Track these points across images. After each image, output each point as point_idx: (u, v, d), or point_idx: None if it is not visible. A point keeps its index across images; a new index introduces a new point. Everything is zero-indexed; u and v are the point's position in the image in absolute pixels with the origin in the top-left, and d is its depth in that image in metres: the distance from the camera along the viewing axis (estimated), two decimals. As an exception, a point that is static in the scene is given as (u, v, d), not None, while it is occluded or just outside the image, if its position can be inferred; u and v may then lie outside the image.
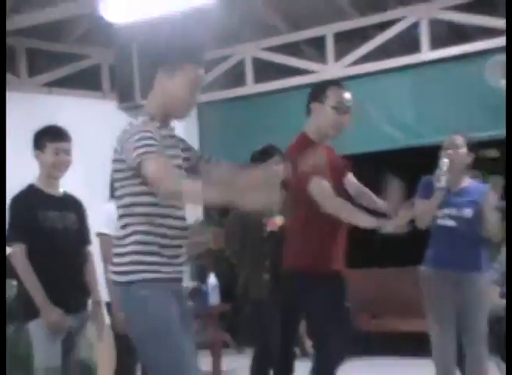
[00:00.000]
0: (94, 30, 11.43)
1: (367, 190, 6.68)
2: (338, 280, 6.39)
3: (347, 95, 6.20)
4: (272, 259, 7.71)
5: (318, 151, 6.15)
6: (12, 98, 11.37)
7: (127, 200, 4.80)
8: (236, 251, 8.14)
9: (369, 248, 11.64)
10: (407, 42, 11.40)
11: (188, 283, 11.17)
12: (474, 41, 10.89)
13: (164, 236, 4.77)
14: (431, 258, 7.26)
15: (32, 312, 6.16)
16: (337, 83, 6.53)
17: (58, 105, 11.37)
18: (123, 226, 4.84)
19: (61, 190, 6.52)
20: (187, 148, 5.09)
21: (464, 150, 7.20)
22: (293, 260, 6.28)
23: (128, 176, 4.74)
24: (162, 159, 4.60)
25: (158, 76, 4.85)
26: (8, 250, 6.42)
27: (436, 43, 11.00)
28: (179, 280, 4.93)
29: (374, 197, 6.57)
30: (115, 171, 4.82)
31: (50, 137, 6.39)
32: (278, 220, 7.86)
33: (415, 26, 11.28)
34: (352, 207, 6.00)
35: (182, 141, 5.07)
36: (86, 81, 12.54)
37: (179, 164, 4.88)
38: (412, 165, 9.63)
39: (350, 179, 6.65)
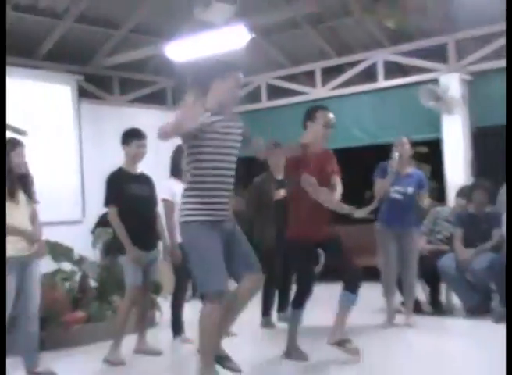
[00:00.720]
0: (162, 65, 11.55)
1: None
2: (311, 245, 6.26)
3: (331, 115, 6.11)
4: (277, 219, 7.67)
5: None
6: (108, 110, 11.63)
7: (188, 168, 5.02)
8: (253, 213, 8.13)
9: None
10: (369, 74, 11.47)
11: None
12: (412, 75, 10.99)
13: (210, 195, 4.90)
14: (383, 219, 7.52)
15: (121, 250, 6.34)
16: (324, 107, 6.34)
17: (138, 114, 11.51)
18: (185, 189, 5.04)
19: (139, 170, 6.67)
20: (240, 128, 5.13)
21: (408, 146, 7.51)
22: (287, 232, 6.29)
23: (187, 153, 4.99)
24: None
25: (215, 82, 4.97)
26: (106, 210, 6.55)
27: (388, 76, 11.07)
28: (220, 221, 4.94)
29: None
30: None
31: (134, 136, 6.57)
32: (282, 192, 7.73)
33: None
34: (333, 196, 5.87)
35: (237, 124, 5.14)
36: (156, 98, 12.65)
37: (230, 138, 5.00)
38: (371, 156, 9.68)
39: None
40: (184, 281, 7.35)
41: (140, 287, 6.47)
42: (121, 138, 6.65)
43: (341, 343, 5.99)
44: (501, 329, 7.39)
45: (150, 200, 6.71)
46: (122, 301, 6.70)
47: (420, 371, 5.70)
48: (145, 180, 6.73)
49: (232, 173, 5.07)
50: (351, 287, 6.10)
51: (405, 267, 7.64)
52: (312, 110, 6.21)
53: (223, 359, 5.04)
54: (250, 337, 7.50)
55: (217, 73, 5.04)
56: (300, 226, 6.11)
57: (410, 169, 7.68)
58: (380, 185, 7.35)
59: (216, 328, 4.94)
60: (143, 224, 6.50)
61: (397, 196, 7.42)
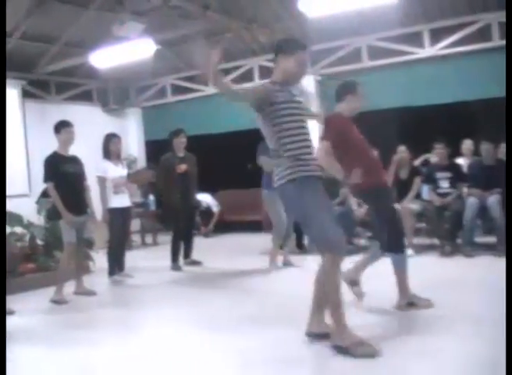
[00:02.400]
0: (89, 69, 11.36)
1: None
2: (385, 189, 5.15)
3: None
4: (180, 188, 7.85)
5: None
6: (47, 107, 11.43)
7: (277, 142, 4.00)
8: (162, 182, 8.13)
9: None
10: (247, 76, 11.49)
11: (139, 199, 11.21)
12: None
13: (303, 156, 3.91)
14: (269, 186, 7.15)
15: (59, 215, 6.33)
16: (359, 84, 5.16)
17: (71, 110, 11.32)
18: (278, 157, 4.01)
19: (70, 153, 6.60)
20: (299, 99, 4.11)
21: None
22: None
23: (269, 125, 4.01)
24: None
25: (279, 58, 4.09)
26: (45, 185, 6.51)
27: (261, 77, 11.06)
28: (318, 176, 3.99)
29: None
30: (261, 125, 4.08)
31: (63, 125, 6.52)
32: (183, 167, 7.85)
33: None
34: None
35: (296, 96, 4.11)
36: (85, 97, 12.47)
37: (295, 106, 4.02)
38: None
39: None
40: (116, 236, 7.32)
41: (74, 243, 6.46)
42: (53, 128, 6.58)
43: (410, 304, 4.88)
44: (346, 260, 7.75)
45: (79, 176, 6.65)
46: (62, 255, 6.64)
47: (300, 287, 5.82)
48: (75, 161, 6.66)
49: (309, 135, 4.11)
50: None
51: (288, 219, 7.17)
52: (351, 84, 5.11)
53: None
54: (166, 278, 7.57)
55: (282, 49, 4.14)
56: (379, 173, 5.06)
57: None
58: (266, 162, 6.91)
59: (340, 284, 3.97)
60: (74, 195, 6.47)
61: None
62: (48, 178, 6.38)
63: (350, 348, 3.73)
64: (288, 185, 3.92)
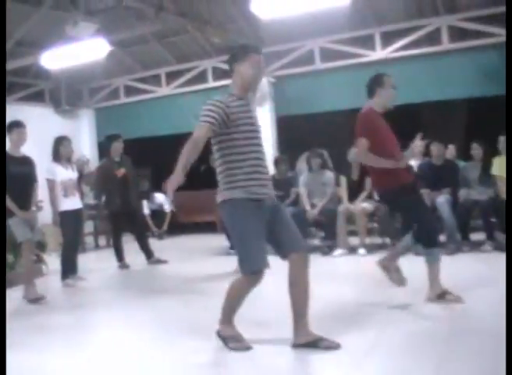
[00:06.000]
0: (41, 70, 11.20)
1: None
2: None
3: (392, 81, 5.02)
4: (121, 191, 7.96)
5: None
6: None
7: (219, 153, 4.01)
8: (101, 186, 8.47)
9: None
10: (202, 78, 11.49)
11: (92, 200, 10.96)
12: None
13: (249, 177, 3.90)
14: None
15: (10, 214, 6.27)
16: (388, 75, 5.09)
17: (23, 110, 10.89)
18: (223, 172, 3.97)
19: (21, 153, 6.53)
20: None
21: None
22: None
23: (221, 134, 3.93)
24: (205, 129, 3.80)
25: (235, 66, 4.00)
26: None
27: (216, 79, 11.23)
28: (262, 199, 3.92)
29: None
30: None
31: (16, 125, 6.44)
32: (122, 170, 8.02)
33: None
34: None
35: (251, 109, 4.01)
36: (37, 97, 12.30)
37: (251, 121, 3.91)
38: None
39: None
40: (68, 239, 7.25)
41: (31, 238, 6.44)
42: (6, 128, 6.50)
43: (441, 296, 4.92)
44: (327, 260, 7.67)
45: (28, 177, 6.56)
46: (24, 254, 6.48)
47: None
48: (26, 161, 6.56)
49: (263, 153, 4.06)
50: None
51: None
52: (380, 77, 5.06)
53: (317, 342, 3.90)
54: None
55: (236, 57, 4.03)
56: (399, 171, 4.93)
57: None
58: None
59: (240, 298, 4.03)
60: (21, 196, 6.40)
61: None
62: None
63: (227, 339, 4.06)
64: (223, 205, 3.92)
